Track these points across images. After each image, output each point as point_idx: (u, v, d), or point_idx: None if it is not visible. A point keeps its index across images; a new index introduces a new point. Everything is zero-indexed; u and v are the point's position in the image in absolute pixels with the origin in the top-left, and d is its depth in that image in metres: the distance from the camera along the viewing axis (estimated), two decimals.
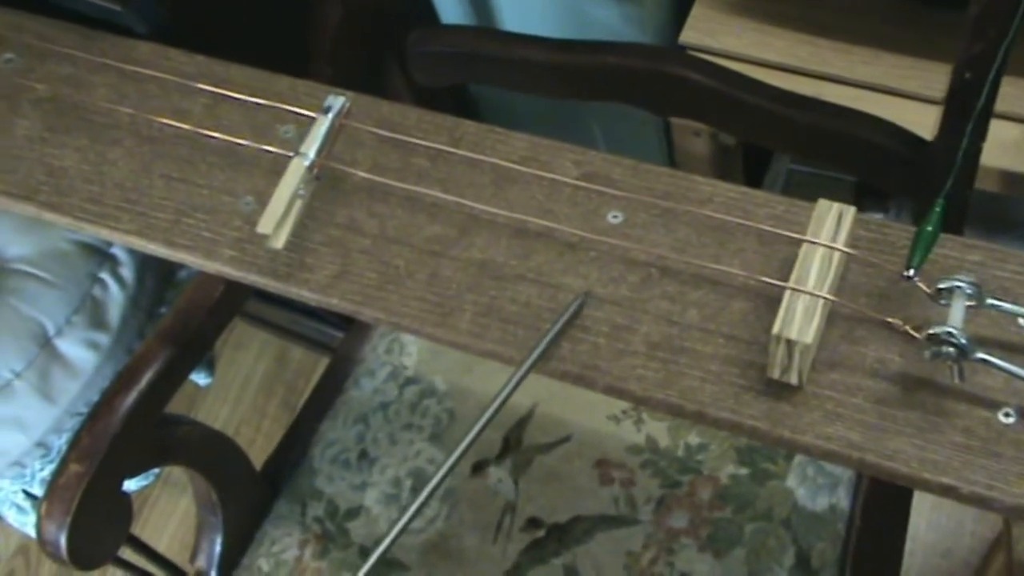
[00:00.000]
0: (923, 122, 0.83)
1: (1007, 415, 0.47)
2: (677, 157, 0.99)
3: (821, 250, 0.47)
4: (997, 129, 0.66)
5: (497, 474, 0.85)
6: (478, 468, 0.86)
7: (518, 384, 0.49)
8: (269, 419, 1.45)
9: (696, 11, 0.92)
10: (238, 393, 1.47)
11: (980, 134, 0.59)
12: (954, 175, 0.48)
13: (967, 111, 0.57)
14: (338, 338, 1.30)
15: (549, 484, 0.84)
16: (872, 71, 0.88)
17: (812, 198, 0.52)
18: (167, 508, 1.41)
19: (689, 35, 0.92)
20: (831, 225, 0.48)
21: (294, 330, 1.39)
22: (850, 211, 0.48)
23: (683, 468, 0.83)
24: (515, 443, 0.86)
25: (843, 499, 0.79)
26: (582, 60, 0.79)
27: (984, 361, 0.45)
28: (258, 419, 1.45)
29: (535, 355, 0.50)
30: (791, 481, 0.80)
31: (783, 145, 0.81)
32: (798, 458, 0.81)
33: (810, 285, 0.47)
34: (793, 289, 0.47)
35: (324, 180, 0.57)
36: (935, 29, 0.88)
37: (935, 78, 0.86)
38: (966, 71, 0.57)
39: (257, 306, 1.35)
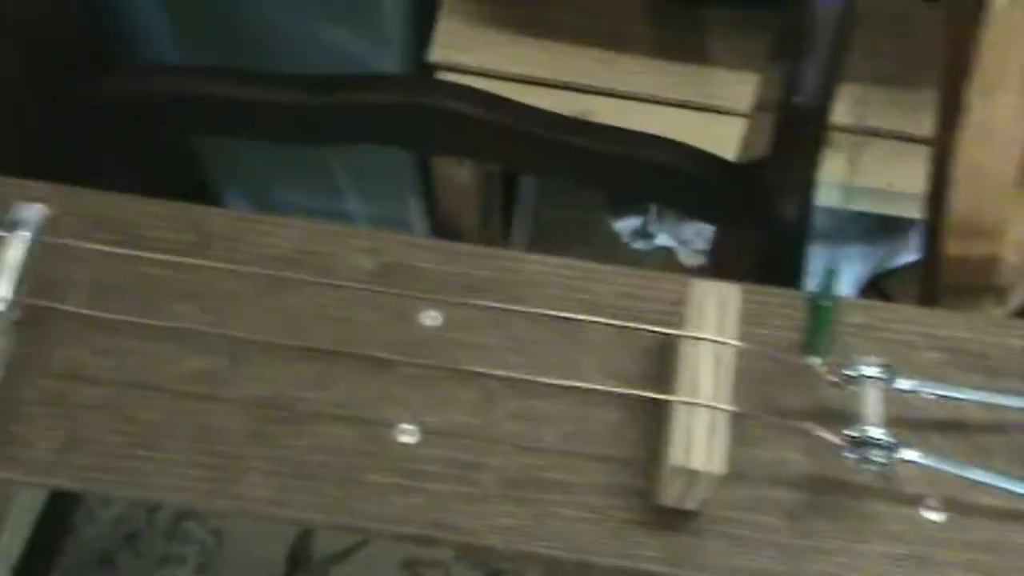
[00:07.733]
0: (708, 134, 0.77)
1: (930, 508, 0.40)
2: (437, 189, 0.88)
3: (709, 347, 0.38)
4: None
5: None
6: None
7: None
8: None
9: (442, 26, 0.82)
10: None
11: (813, 163, 0.52)
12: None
13: (799, 138, 0.50)
14: None
15: None
16: (640, 80, 0.81)
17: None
18: None
19: (439, 52, 0.81)
20: (714, 314, 0.39)
21: None
22: (734, 293, 0.39)
23: None
24: (304, 558, 0.72)
25: None
26: (317, 100, 0.67)
27: (911, 462, 0.38)
28: None
29: None
30: None
31: (564, 174, 0.72)
32: None
33: (704, 395, 0.37)
34: (687, 403, 0.37)
35: (30, 319, 0.41)
36: (697, 31, 0.83)
37: (708, 84, 0.80)
38: (794, 95, 0.50)
39: None
